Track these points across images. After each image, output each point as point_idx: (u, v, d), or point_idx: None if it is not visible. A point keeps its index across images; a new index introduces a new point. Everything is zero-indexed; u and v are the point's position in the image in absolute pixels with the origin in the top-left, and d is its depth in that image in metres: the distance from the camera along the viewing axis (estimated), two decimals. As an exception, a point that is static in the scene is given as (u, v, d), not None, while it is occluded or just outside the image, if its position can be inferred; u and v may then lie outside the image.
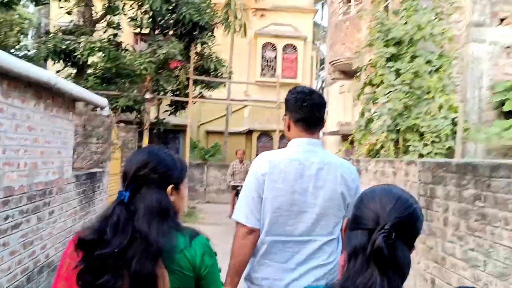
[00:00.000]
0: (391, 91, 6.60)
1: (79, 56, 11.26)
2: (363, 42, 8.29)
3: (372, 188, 1.25)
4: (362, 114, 7.61)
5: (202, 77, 13.93)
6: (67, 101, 5.01)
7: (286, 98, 2.18)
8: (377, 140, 6.52)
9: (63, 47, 11.57)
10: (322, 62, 32.99)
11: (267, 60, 20.51)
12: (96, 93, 13.03)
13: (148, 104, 13.26)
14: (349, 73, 11.01)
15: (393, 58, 6.89)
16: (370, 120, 6.92)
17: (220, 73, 14.75)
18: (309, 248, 1.97)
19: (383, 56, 6.90)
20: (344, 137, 12.89)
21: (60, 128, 4.88)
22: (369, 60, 7.42)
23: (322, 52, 31.05)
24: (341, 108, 13.25)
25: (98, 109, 6.34)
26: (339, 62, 10.25)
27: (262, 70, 20.32)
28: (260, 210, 2.01)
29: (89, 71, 13.80)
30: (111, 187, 9.60)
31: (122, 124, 11.15)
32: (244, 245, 2.01)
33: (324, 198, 1.99)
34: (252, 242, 2.01)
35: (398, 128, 6.58)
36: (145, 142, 13.28)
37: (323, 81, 35.78)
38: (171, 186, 1.51)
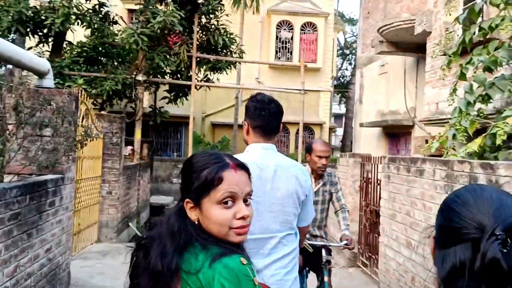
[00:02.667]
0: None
1: (49, 24, 8.65)
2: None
3: (456, 192, 1.00)
4: (454, 91, 4.94)
5: (208, 56, 11.30)
6: None
7: (247, 104, 2.27)
8: (500, 127, 3.87)
9: (30, 14, 8.97)
10: (340, 48, 30.27)
11: (282, 41, 17.84)
12: (73, 75, 10.54)
13: (141, 89, 10.66)
14: (403, 45, 8.38)
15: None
16: (482, 99, 4.26)
17: (229, 52, 12.12)
18: (270, 243, 2.11)
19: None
20: (387, 129, 10.24)
21: None
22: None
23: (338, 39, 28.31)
24: (382, 93, 10.61)
25: (35, 79, 3.80)
26: (393, 27, 7.59)
27: (277, 52, 17.67)
28: None
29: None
30: (81, 198, 7.03)
31: (103, 112, 8.59)
32: None
33: (281, 198, 2.11)
34: None
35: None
36: (137, 135, 10.69)
37: (349, 65, 33.03)
38: (186, 200, 1.26)
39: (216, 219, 1.19)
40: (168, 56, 10.41)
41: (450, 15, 5.69)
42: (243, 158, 1.68)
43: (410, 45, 8.43)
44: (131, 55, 11.53)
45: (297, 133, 17.72)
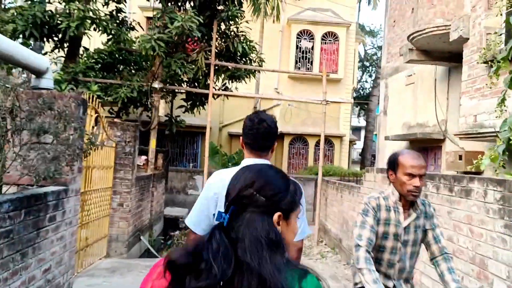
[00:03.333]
0: None
1: (64, 28, 8.36)
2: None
3: None
4: (502, 102, 4.39)
5: (227, 64, 10.90)
6: None
7: (244, 121, 2.38)
8: None
9: (45, 17, 8.71)
10: (360, 59, 29.71)
11: (303, 51, 17.39)
12: (88, 81, 10.24)
13: (157, 97, 10.29)
14: (434, 53, 7.84)
15: None
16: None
17: (248, 60, 11.72)
18: None
19: None
20: (414, 143, 9.64)
21: None
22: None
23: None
24: (408, 105, 10.03)
25: (32, 78, 3.39)
26: (425, 33, 7.06)
27: (297, 63, 17.23)
28: (208, 224, 2.17)
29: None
30: (90, 211, 6.61)
31: (117, 120, 8.23)
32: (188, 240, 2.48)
33: None
34: (191, 240, 2.22)
35: None
36: (152, 145, 10.30)
37: (369, 77, 32.40)
38: (278, 213, 1.22)
39: (296, 231, 1.30)
40: (185, 63, 10.04)
41: (501, 14, 5.14)
42: (233, 171, 1.62)
43: (443, 53, 7.88)
44: (148, 62, 11.21)
45: (316, 145, 17.18)
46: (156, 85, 10.02)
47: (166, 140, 14.32)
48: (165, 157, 12.74)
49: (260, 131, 2.29)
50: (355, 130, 32.54)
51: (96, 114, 6.65)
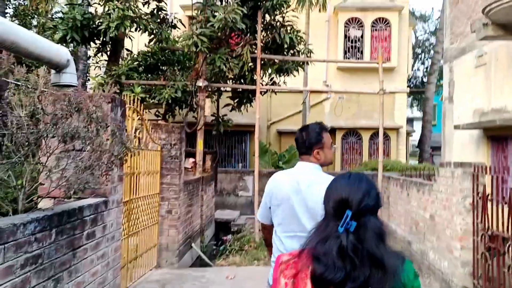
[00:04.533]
0: None
1: (104, 29, 8.01)
2: None
3: None
4: None
5: (274, 56, 10.23)
6: None
7: None
8: None
9: (85, 20, 8.41)
10: (412, 47, 28.10)
11: (352, 40, 16.41)
12: (131, 84, 9.91)
13: (202, 96, 9.79)
14: (515, 27, 6.78)
15: None
16: None
17: (296, 52, 11.00)
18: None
19: None
20: (490, 132, 8.55)
21: None
22: None
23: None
24: (480, 89, 8.92)
25: (52, 74, 2.87)
26: (507, 2, 6.04)
27: (345, 53, 16.27)
28: (269, 215, 2.86)
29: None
30: (139, 219, 6.16)
31: (161, 122, 7.78)
32: (263, 233, 3.11)
33: (311, 206, 2.57)
34: (268, 231, 2.93)
35: None
36: (199, 146, 9.82)
37: (422, 64, 30.70)
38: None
39: None
40: (230, 59, 9.48)
41: None
42: (286, 173, 2.85)
43: (525, 26, 6.81)
44: (191, 60, 10.75)
45: (371, 139, 16.18)
46: (201, 83, 9.52)
47: (214, 140, 13.86)
48: (214, 158, 12.27)
49: (297, 138, 2.83)
50: (409, 121, 30.88)
51: (139, 117, 6.21)
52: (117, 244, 4.26)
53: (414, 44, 30.07)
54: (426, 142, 19.67)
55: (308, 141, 2.78)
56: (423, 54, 30.90)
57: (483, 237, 5.24)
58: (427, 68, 30.73)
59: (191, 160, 10.12)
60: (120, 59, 10.75)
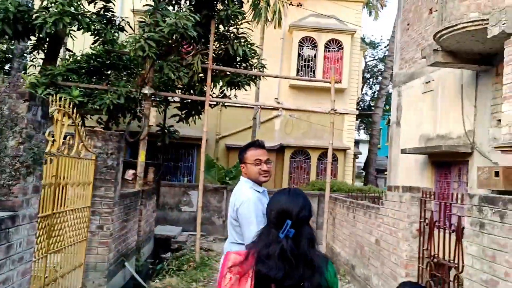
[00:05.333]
0: None
1: (39, 23, 7.33)
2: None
3: None
4: None
5: (226, 68, 9.90)
6: None
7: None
8: None
9: (19, 12, 7.70)
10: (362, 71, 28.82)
11: (305, 60, 16.46)
12: (68, 86, 9.20)
13: (147, 104, 9.25)
14: (463, 54, 6.86)
15: None
16: None
17: (249, 66, 10.74)
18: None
19: None
20: (434, 157, 8.62)
21: None
22: None
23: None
24: (427, 115, 9.03)
25: None
26: (456, 30, 6.09)
27: (298, 71, 16.28)
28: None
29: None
30: (62, 236, 5.51)
31: (98, 129, 7.16)
32: None
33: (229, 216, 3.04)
34: None
35: None
36: (141, 157, 9.24)
37: (370, 89, 31.47)
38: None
39: None
40: (179, 67, 9.04)
41: None
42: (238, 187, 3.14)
43: (472, 55, 6.91)
44: (139, 67, 10.19)
45: (319, 159, 16.17)
46: (146, 90, 8.99)
47: (159, 152, 13.26)
48: (157, 171, 11.65)
49: None
50: (355, 143, 31.55)
51: (71, 121, 5.62)
52: (26, 266, 3.65)
53: (363, 69, 30.95)
54: (371, 164, 20.00)
55: (239, 157, 3.09)
56: (371, 79, 31.84)
57: (428, 265, 5.08)
58: (374, 93, 31.70)
59: (131, 171, 9.49)
60: (60, 60, 10.01)
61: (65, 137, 5.42)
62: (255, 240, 1.87)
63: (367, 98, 31.85)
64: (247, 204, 2.83)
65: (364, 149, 25.01)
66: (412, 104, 9.81)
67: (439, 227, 4.92)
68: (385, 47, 31.80)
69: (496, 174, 6.22)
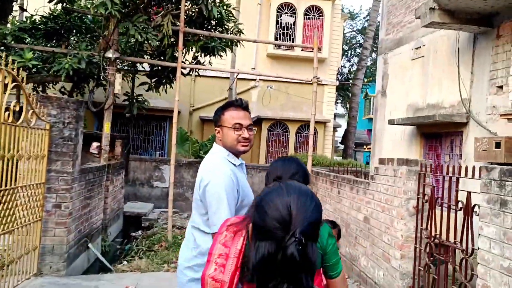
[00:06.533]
0: None
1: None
2: None
3: (265, 191, 1.40)
4: None
5: (199, 31, 9.03)
6: None
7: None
8: None
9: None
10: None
11: (284, 27, 15.62)
12: (20, 48, 8.16)
13: (112, 69, 8.34)
14: (462, 14, 6.23)
15: None
16: None
17: (224, 30, 9.90)
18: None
19: None
20: (424, 128, 8.10)
21: None
22: None
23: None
24: (416, 83, 8.45)
25: None
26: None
27: (277, 40, 15.43)
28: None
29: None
30: (14, 216, 4.74)
31: (52, 95, 6.28)
32: None
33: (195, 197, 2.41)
34: None
35: None
36: (106, 129, 8.39)
37: (348, 62, 30.83)
38: None
39: None
40: (147, 29, 8.13)
41: None
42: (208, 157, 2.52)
43: (471, 14, 6.29)
44: (103, 30, 9.19)
45: (298, 132, 15.58)
46: (110, 54, 8.07)
47: (128, 124, 12.38)
48: (125, 144, 10.82)
49: None
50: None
51: (16, 83, 4.75)
52: None
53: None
54: (350, 138, 19.57)
55: (214, 115, 2.53)
56: (349, 51, 31.21)
57: (427, 246, 4.54)
58: (352, 65, 31.13)
59: (95, 144, 8.66)
60: (13, 19, 8.92)
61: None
62: (252, 205, 1.71)
63: (345, 70, 31.26)
64: (218, 181, 2.20)
65: (341, 123, 24.54)
66: (399, 72, 9.21)
67: (442, 205, 4.36)
68: (364, 17, 31.11)
69: (497, 145, 5.71)
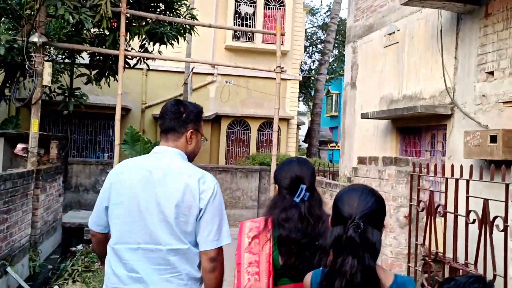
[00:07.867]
0: None
1: None
2: None
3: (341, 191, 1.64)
4: None
5: (145, 14, 7.83)
6: None
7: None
8: None
9: None
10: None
11: (242, 18, 14.58)
12: None
13: (39, 57, 7.01)
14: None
15: None
16: None
17: (176, 14, 8.75)
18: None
19: None
20: (400, 122, 7.27)
21: None
22: None
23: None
24: (390, 72, 7.62)
25: None
26: None
27: (235, 31, 14.38)
28: (104, 219, 2.05)
29: None
30: None
31: None
32: (94, 243, 2.24)
33: (163, 205, 1.92)
34: (101, 243, 2.13)
35: None
36: (33, 128, 7.04)
37: (310, 57, 30.20)
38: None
39: None
40: (81, 8, 6.87)
41: None
42: (144, 158, 2.02)
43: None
44: (29, 12, 7.82)
45: (259, 129, 14.60)
46: (36, 38, 6.74)
47: (67, 123, 10.98)
48: (63, 145, 9.45)
49: (170, 113, 2.12)
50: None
51: None
52: None
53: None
54: (315, 136, 18.79)
55: (187, 114, 2.14)
56: (311, 47, 30.56)
57: (425, 266, 3.62)
58: (314, 61, 30.53)
59: (21, 146, 7.31)
60: None
61: None
62: (269, 207, 2.06)
63: (307, 68, 30.59)
64: (219, 191, 2.01)
65: (303, 120, 23.79)
66: (370, 61, 8.37)
67: (445, 214, 3.44)
68: (325, 13, 30.60)
69: (493, 139, 4.88)
